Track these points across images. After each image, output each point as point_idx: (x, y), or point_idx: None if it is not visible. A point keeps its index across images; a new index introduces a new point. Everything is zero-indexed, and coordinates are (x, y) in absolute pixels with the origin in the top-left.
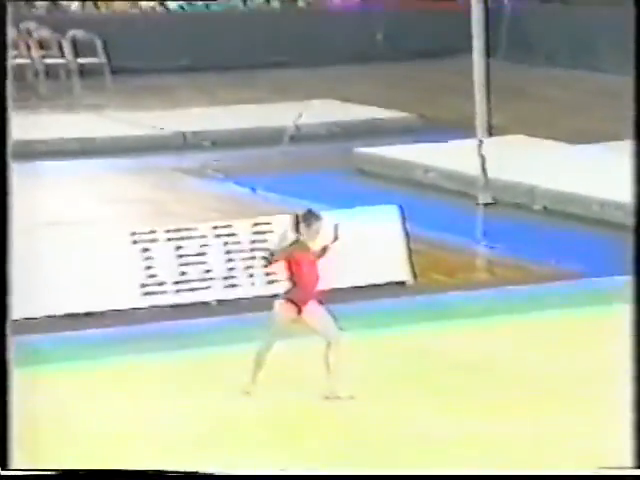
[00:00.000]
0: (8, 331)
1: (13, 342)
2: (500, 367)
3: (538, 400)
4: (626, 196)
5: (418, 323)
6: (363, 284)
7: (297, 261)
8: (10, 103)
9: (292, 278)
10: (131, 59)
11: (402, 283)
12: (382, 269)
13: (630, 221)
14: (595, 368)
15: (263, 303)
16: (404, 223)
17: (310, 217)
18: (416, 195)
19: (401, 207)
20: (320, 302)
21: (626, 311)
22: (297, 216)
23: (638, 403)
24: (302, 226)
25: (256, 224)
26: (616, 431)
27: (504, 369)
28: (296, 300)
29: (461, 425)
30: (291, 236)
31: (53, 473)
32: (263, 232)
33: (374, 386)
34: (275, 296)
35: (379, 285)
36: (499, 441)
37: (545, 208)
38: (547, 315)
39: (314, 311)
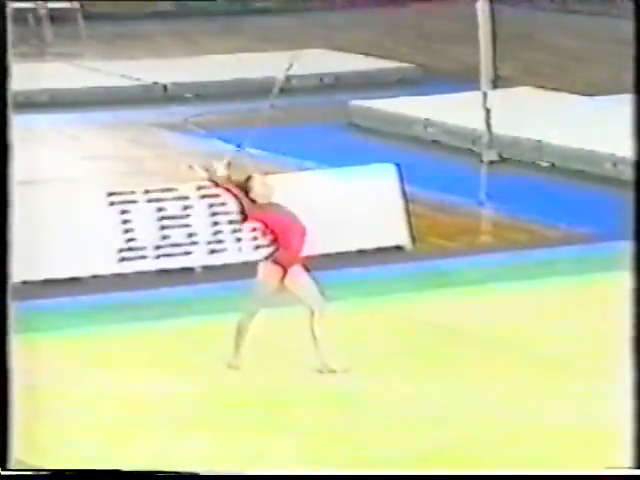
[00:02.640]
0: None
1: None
2: (505, 337)
3: (544, 371)
4: None
5: (417, 291)
6: (358, 249)
7: (275, 222)
8: None
9: (275, 240)
10: (106, 4)
11: (400, 248)
12: (378, 233)
13: None
14: (605, 338)
15: (251, 269)
16: (402, 183)
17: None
18: (415, 152)
19: (399, 165)
20: (306, 268)
21: None
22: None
23: (638, 404)
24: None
25: None
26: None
27: (509, 339)
28: (281, 262)
29: (461, 395)
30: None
31: (53, 473)
32: None
33: (370, 358)
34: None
35: (375, 250)
36: (496, 411)
37: (554, 165)
38: (557, 281)
39: (298, 275)
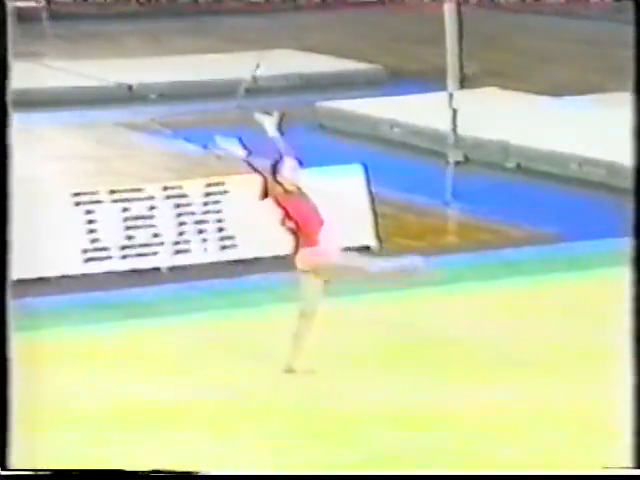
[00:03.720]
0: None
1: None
2: (471, 338)
3: (509, 371)
4: (607, 153)
5: (383, 291)
6: None
7: (299, 211)
8: None
9: (296, 229)
10: (73, 3)
11: (367, 248)
12: (345, 233)
13: (612, 180)
14: (570, 338)
15: (217, 270)
16: (369, 183)
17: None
18: (382, 153)
19: (365, 166)
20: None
21: (607, 276)
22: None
23: (638, 402)
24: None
25: (209, 185)
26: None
27: (475, 340)
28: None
29: (427, 397)
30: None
31: (53, 473)
32: (216, 193)
33: (335, 359)
34: (230, 262)
35: (342, 250)
36: (457, 414)
37: (519, 166)
38: (522, 282)
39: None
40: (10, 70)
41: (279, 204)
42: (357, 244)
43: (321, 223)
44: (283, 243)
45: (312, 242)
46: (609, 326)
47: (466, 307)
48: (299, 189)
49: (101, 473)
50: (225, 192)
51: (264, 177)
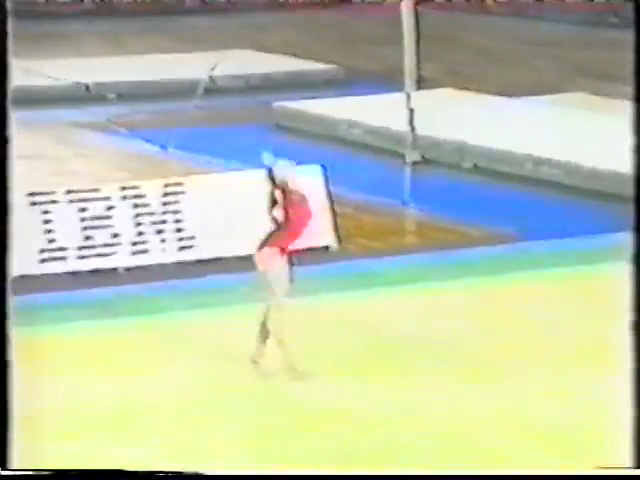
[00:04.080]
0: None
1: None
2: (429, 337)
3: (470, 372)
4: (562, 153)
5: (342, 291)
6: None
7: (297, 211)
8: None
9: (284, 224)
10: (28, 1)
11: (326, 248)
12: (304, 233)
13: (567, 180)
14: (529, 338)
15: (175, 270)
16: (327, 184)
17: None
18: (340, 153)
19: (324, 166)
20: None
21: (564, 275)
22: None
23: (638, 402)
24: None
25: (167, 185)
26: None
27: (433, 339)
28: (277, 244)
29: (383, 398)
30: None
31: (53, 473)
32: (174, 193)
33: (295, 358)
34: (188, 263)
35: (301, 250)
36: (423, 415)
37: (476, 166)
38: (480, 281)
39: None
40: (10, 69)
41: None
42: (316, 244)
43: (310, 217)
44: (242, 243)
45: (293, 235)
46: (569, 325)
47: (424, 307)
48: (302, 196)
49: (101, 473)
50: (183, 192)
51: (279, 188)
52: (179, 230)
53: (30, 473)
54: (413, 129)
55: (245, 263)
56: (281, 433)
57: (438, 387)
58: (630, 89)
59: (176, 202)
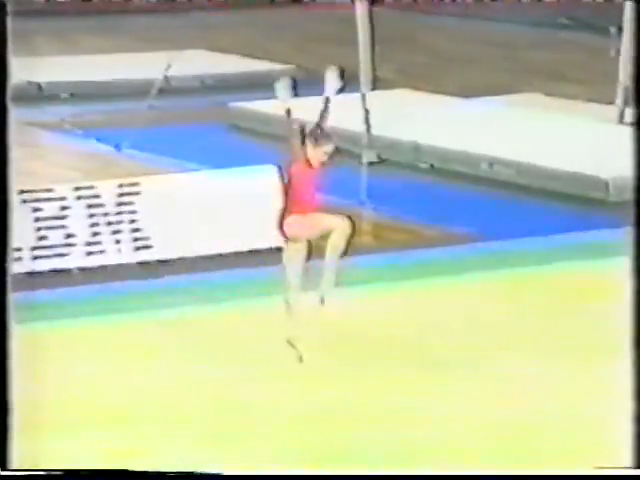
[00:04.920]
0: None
1: None
2: (386, 337)
3: (429, 372)
4: (516, 153)
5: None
6: (238, 250)
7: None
8: None
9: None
10: None
11: (280, 249)
12: (259, 234)
13: (521, 180)
14: (485, 340)
15: (130, 271)
16: (283, 184)
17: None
18: None
19: (280, 167)
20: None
21: (520, 275)
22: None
23: (638, 401)
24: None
25: (121, 185)
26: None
27: (390, 340)
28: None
29: (342, 399)
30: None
31: (53, 473)
32: (129, 194)
33: (246, 362)
34: (143, 263)
35: (255, 251)
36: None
37: (432, 166)
38: (437, 281)
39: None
40: (10, 68)
41: (290, 174)
42: (270, 245)
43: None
44: (199, 243)
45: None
46: (528, 324)
47: (380, 307)
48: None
49: (101, 473)
50: (139, 193)
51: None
52: (135, 230)
53: (30, 473)
54: (369, 129)
55: (198, 264)
56: (239, 432)
57: (398, 387)
58: (583, 88)
59: (131, 202)
